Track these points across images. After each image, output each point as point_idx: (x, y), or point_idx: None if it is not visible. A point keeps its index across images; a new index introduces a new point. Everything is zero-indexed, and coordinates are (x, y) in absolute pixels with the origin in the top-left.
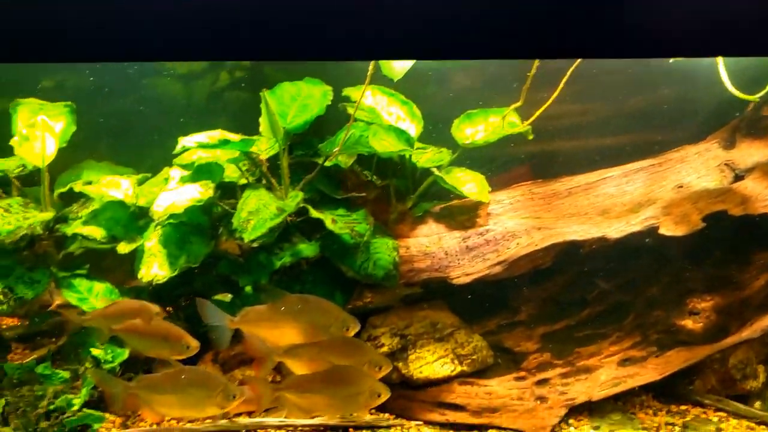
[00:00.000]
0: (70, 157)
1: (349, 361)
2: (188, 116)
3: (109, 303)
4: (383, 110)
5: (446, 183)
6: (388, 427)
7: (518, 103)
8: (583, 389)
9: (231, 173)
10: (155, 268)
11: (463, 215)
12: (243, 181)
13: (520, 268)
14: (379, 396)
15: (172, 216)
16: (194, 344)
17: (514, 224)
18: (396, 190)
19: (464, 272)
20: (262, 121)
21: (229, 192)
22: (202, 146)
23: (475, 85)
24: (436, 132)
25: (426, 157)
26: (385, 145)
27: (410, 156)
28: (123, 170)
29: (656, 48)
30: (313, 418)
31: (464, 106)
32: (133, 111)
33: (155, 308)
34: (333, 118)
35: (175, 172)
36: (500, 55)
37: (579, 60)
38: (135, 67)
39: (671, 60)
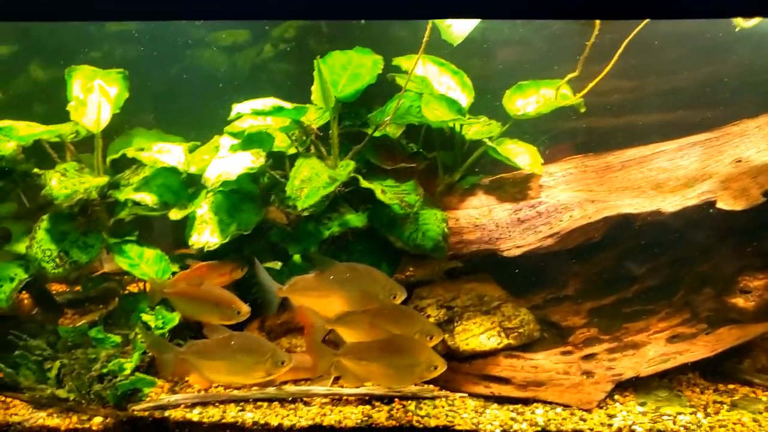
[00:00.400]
0: (119, 124)
1: (401, 329)
2: (232, 87)
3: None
4: (434, 80)
5: (499, 154)
6: (433, 398)
7: (575, 73)
8: (630, 365)
9: (279, 143)
10: (207, 235)
11: (514, 188)
12: (291, 150)
13: (572, 242)
14: (435, 368)
15: (225, 183)
16: (245, 309)
17: (567, 197)
18: (443, 163)
19: (515, 245)
20: (315, 89)
21: (277, 162)
22: (257, 113)
23: (525, 58)
24: (486, 103)
25: (475, 129)
26: (437, 114)
27: (461, 127)
28: (172, 138)
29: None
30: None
31: (513, 78)
32: (177, 82)
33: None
34: (379, 90)
35: (225, 141)
36: (568, 16)
37: (636, 30)
38: (180, 39)
39: (737, 29)
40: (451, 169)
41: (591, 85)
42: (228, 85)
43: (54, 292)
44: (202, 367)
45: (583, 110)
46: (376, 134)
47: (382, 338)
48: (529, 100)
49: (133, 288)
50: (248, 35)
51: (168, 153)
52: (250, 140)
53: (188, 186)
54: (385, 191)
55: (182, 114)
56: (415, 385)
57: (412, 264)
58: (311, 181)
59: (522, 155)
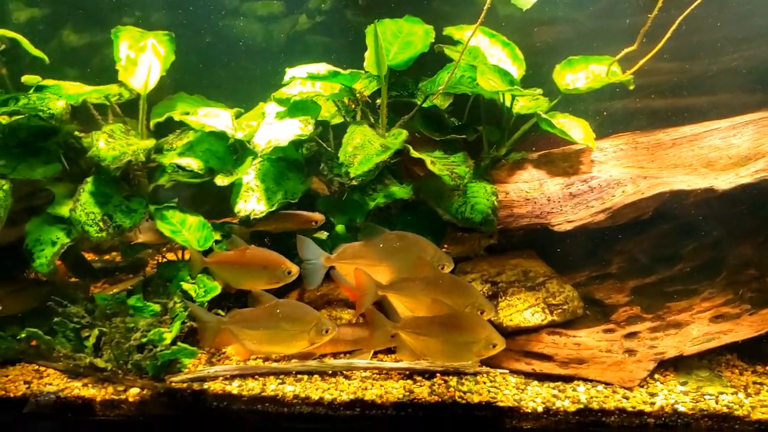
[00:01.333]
0: (161, 89)
1: (453, 300)
2: (268, 57)
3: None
4: (485, 51)
5: (553, 126)
6: (475, 374)
7: (633, 47)
8: (673, 344)
9: (323, 112)
10: (253, 203)
11: (564, 162)
12: (335, 120)
13: (623, 218)
14: (494, 346)
15: (275, 150)
16: (295, 269)
17: (619, 172)
18: (487, 137)
19: (566, 219)
20: (368, 55)
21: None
22: (312, 77)
23: (568, 35)
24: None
25: (522, 103)
26: (491, 84)
27: (512, 100)
28: (214, 104)
29: None
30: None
31: (555, 54)
32: (211, 50)
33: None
34: (422, 62)
35: (270, 107)
36: None
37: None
38: (215, 7)
39: None
40: (496, 144)
41: (642, 61)
42: (263, 55)
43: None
44: (244, 337)
45: (632, 87)
46: (425, 105)
47: (441, 313)
48: (578, 75)
49: (170, 256)
50: (282, 6)
51: (216, 117)
52: (296, 108)
53: (234, 152)
54: (435, 162)
55: (218, 82)
56: None
57: (449, 240)
58: (364, 148)
59: (575, 129)
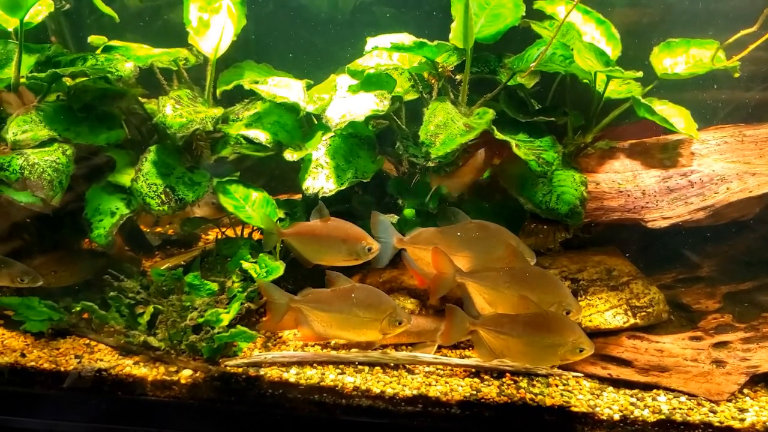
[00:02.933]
0: (227, 56)
1: (539, 296)
2: (332, 28)
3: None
4: (579, 28)
5: (653, 113)
6: (546, 375)
7: (753, 29)
8: None
9: (397, 87)
10: (322, 180)
11: (661, 153)
12: (408, 96)
13: (725, 217)
14: (581, 351)
15: (350, 124)
16: (375, 246)
17: (722, 167)
18: (572, 122)
19: (662, 215)
20: (455, 26)
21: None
22: (397, 47)
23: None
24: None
25: (612, 87)
26: (588, 64)
27: (606, 83)
28: (283, 74)
29: None
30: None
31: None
32: (275, 20)
33: None
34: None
35: (342, 80)
36: None
37: None
38: None
39: None
40: (582, 130)
41: (750, 48)
42: (328, 26)
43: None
44: (313, 318)
45: (737, 75)
46: (510, 83)
47: (526, 312)
48: (677, 60)
49: (229, 232)
50: None
51: (287, 88)
52: (370, 81)
53: (302, 126)
54: (519, 145)
55: (281, 53)
56: None
57: (523, 234)
58: (447, 126)
59: (676, 117)
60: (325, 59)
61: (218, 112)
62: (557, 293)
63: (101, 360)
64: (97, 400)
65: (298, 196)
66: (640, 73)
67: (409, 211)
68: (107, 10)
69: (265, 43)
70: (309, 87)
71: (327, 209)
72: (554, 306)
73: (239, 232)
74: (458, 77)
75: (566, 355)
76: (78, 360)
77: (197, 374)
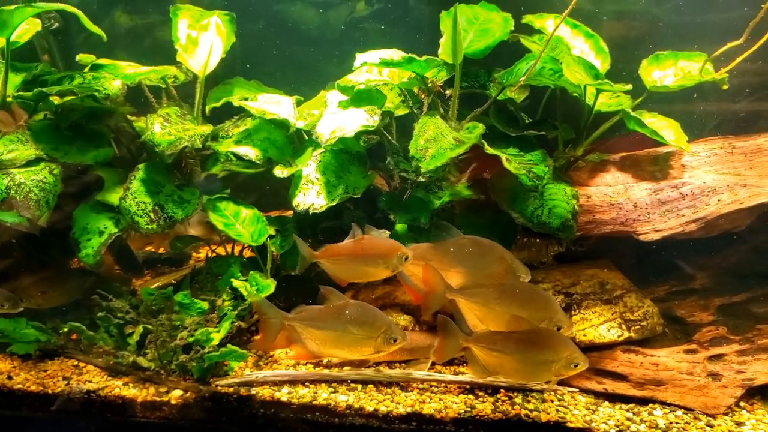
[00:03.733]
0: (215, 74)
1: (530, 312)
2: (323, 45)
3: None
4: (567, 42)
5: (643, 126)
6: (541, 391)
7: (739, 41)
8: (764, 369)
9: (387, 103)
10: (312, 196)
11: (651, 166)
12: (399, 111)
13: (717, 229)
14: (575, 366)
15: (340, 139)
16: (410, 253)
17: (713, 179)
18: (562, 136)
19: (654, 228)
20: (444, 42)
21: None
22: (385, 63)
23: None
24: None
25: (602, 100)
26: (578, 77)
27: (595, 96)
28: (273, 90)
29: None
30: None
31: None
32: (266, 37)
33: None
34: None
35: (332, 96)
36: None
37: None
38: None
39: None
40: (572, 143)
41: (738, 60)
42: (318, 42)
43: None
44: (307, 336)
45: (725, 87)
46: (500, 98)
47: (520, 329)
48: (666, 72)
49: (221, 251)
50: None
51: (277, 104)
52: (360, 97)
53: (292, 142)
54: (510, 159)
55: (271, 70)
56: None
57: (515, 248)
58: (437, 141)
59: (666, 129)
60: (316, 76)
61: (207, 129)
62: (548, 309)
63: (90, 381)
64: (86, 422)
65: (290, 213)
66: (629, 86)
67: (401, 227)
68: (95, 29)
69: (255, 60)
70: (299, 103)
71: (360, 229)
72: (545, 322)
73: (230, 250)
74: (448, 92)
75: (560, 370)
76: (66, 382)
77: (188, 394)
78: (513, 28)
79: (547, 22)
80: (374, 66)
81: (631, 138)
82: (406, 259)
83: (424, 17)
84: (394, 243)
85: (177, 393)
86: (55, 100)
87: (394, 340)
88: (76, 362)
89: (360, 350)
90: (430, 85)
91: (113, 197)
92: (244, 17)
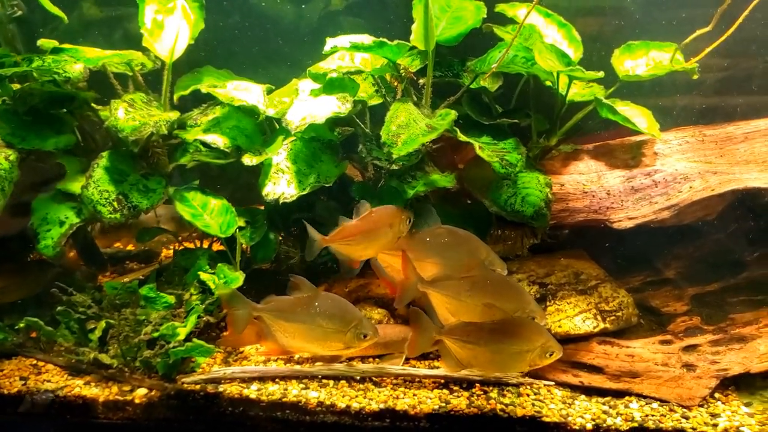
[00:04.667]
0: (185, 63)
1: (502, 303)
2: (298, 37)
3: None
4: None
5: (616, 113)
6: (517, 385)
7: (707, 28)
8: (737, 360)
9: (360, 92)
10: (283, 186)
11: (625, 154)
12: (373, 101)
13: (690, 216)
14: (550, 355)
15: (309, 129)
16: (411, 215)
17: (685, 166)
18: (536, 126)
19: (627, 215)
20: (416, 28)
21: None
22: (356, 46)
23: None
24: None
25: (575, 90)
26: (549, 64)
27: (568, 85)
28: (244, 78)
29: None
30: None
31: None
32: (240, 29)
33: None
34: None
35: (304, 84)
36: None
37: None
38: None
39: None
40: (546, 133)
41: (708, 50)
42: (294, 35)
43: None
44: (276, 328)
45: (695, 77)
46: (473, 86)
47: (493, 319)
48: (638, 62)
49: (188, 244)
50: None
51: (246, 91)
52: (333, 85)
53: (263, 131)
54: (483, 147)
55: (245, 63)
56: None
57: (489, 241)
58: (408, 127)
59: (638, 117)
60: (292, 68)
61: (174, 115)
62: (520, 300)
63: (49, 381)
64: (45, 424)
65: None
66: (601, 73)
67: None
68: (55, 10)
69: (228, 52)
70: (270, 92)
71: (368, 204)
72: (517, 313)
73: (199, 243)
74: (421, 81)
75: (535, 360)
76: (23, 382)
77: (152, 393)
78: (486, 16)
79: (519, 11)
80: (345, 51)
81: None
82: (410, 221)
83: (400, 11)
84: (396, 207)
85: (141, 391)
86: (15, 87)
87: (365, 336)
88: (34, 361)
89: (329, 345)
90: (402, 72)
91: (75, 186)
92: (220, 9)
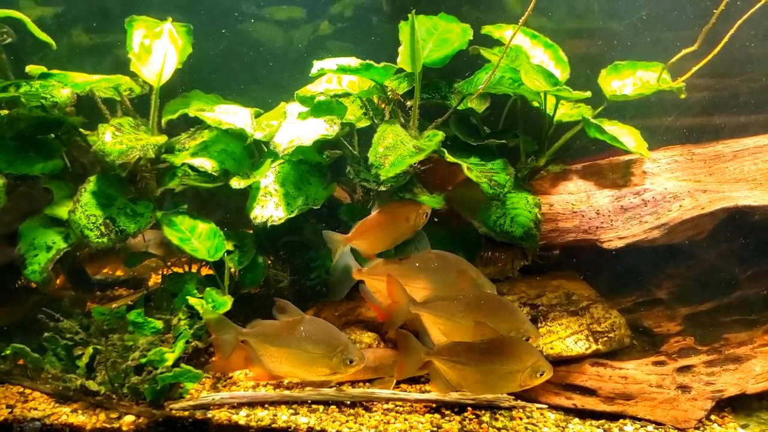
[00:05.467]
0: (174, 86)
1: (495, 324)
2: (287, 63)
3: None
4: (527, 52)
5: (604, 133)
6: (510, 408)
7: (693, 47)
8: (733, 380)
9: (348, 115)
10: (271, 208)
11: (613, 173)
12: (361, 124)
13: (680, 235)
14: (541, 374)
15: (297, 152)
16: (429, 209)
17: (674, 185)
18: (525, 147)
19: (617, 235)
20: (402, 50)
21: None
22: (342, 69)
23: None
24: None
25: (563, 111)
26: (536, 84)
27: (555, 106)
28: (232, 102)
29: None
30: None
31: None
32: (230, 55)
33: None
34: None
35: (292, 108)
36: None
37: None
38: (231, 12)
39: None
40: (535, 154)
41: (694, 69)
42: (282, 60)
43: None
44: (263, 352)
45: (683, 96)
46: (460, 108)
47: (482, 339)
48: (625, 82)
49: (177, 269)
50: (304, 12)
51: (234, 115)
52: (320, 108)
53: (251, 155)
54: (471, 168)
55: (235, 88)
56: None
57: (476, 261)
58: (396, 148)
59: (626, 137)
60: (282, 93)
61: (161, 139)
62: (514, 320)
63: (35, 409)
64: None
65: None
66: (588, 93)
67: None
68: (43, 36)
69: (216, 77)
70: (258, 115)
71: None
72: (512, 333)
73: (188, 268)
74: (409, 103)
75: (526, 380)
76: (9, 410)
77: (140, 420)
78: (472, 38)
79: (506, 33)
80: (333, 73)
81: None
82: (427, 216)
83: (387, 35)
84: (413, 201)
85: (129, 418)
86: (3, 112)
87: (351, 362)
88: (21, 389)
89: (315, 370)
90: (390, 94)
91: (62, 211)
92: (209, 36)
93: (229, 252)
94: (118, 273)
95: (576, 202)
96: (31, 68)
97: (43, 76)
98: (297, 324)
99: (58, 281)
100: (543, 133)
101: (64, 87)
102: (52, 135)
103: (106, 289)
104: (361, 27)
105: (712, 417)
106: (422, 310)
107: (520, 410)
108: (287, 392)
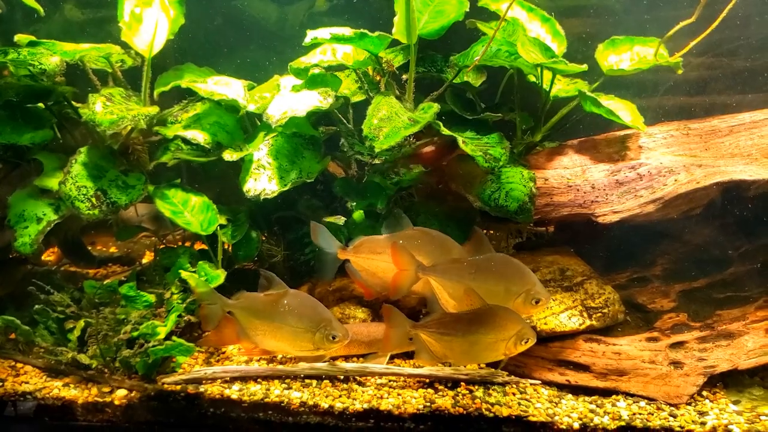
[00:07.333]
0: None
1: (506, 285)
2: (281, 39)
3: None
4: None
5: (600, 106)
6: (503, 384)
7: (690, 20)
8: (725, 356)
9: (343, 89)
10: (264, 182)
11: (609, 148)
12: (356, 98)
13: (675, 209)
14: (525, 342)
15: (290, 124)
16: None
17: (670, 160)
18: (521, 123)
19: (612, 209)
20: (397, 20)
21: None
22: (336, 38)
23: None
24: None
25: (560, 86)
26: (533, 56)
27: (552, 80)
28: (225, 75)
29: None
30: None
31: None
32: (223, 30)
33: None
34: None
35: (286, 81)
36: None
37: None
38: None
39: None
40: (531, 130)
41: (691, 45)
42: (277, 36)
43: None
44: (248, 325)
45: (680, 72)
46: (456, 81)
47: (469, 310)
48: (622, 57)
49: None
50: None
51: (227, 86)
52: (314, 81)
53: (244, 128)
54: (466, 142)
55: (228, 64)
56: (480, 367)
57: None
58: (391, 120)
59: (622, 111)
60: (276, 69)
61: (153, 110)
62: (525, 281)
63: (26, 383)
64: (22, 427)
65: None
66: (584, 66)
67: (358, 215)
68: (33, 3)
69: (212, 53)
70: (251, 88)
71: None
72: (522, 295)
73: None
74: (404, 77)
75: (511, 348)
76: (1, 384)
77: (132, 394)
78: (468, 10)
79: (502, 5)
80: (327, 43)
81: None
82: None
83: (384, 12)
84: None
85: (121, 393)
86: None
87: (334, 338)
88: (13, 363)
89: (299, 345)
90: (385, 65)
91: (53, 182)
92: (203, 11)
93: (222, 226)
94: (113, 250)
95: (571, 176)
96: (20, 37)
97: (32, 44)
98: (281, 297)
99: (53, 255)
100: (539, 109)
101: (52, 54)
102: (42, 105)
103: (99, 266)
104: (357, 3)
105: (704, 393)
106: (431, 274)
107: (514, 386)
108: (280, 367)
